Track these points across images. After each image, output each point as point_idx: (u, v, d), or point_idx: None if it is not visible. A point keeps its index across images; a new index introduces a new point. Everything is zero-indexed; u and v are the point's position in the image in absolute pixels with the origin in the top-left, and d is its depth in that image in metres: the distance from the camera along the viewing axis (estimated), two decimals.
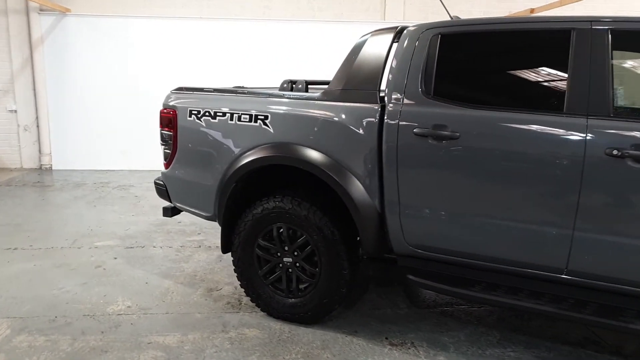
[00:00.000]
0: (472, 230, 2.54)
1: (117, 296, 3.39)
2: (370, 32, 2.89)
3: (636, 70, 2.50)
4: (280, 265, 3.01)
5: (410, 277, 2.71)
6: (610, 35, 2.30)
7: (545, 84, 2.55)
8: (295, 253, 2.95)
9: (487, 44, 2.62)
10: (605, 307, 2.37)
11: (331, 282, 2.86)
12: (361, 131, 2.69)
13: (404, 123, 2.60)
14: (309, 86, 3.24)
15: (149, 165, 7.85)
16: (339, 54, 7.64)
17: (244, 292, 3.17)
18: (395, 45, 2.80)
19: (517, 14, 8.07)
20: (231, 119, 3.02)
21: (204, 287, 3.56)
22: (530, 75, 2.57)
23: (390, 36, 2.80)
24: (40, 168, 8.05)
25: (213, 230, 4.86)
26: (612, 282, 2.33)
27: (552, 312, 2.41)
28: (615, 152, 2.21)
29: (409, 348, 2.81)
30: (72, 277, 3.69)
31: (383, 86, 2.75)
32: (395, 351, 2.78)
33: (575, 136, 2.29)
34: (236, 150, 3.00)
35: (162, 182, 3.48)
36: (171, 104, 3.31)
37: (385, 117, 2.64)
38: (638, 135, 2.18)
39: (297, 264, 2.96)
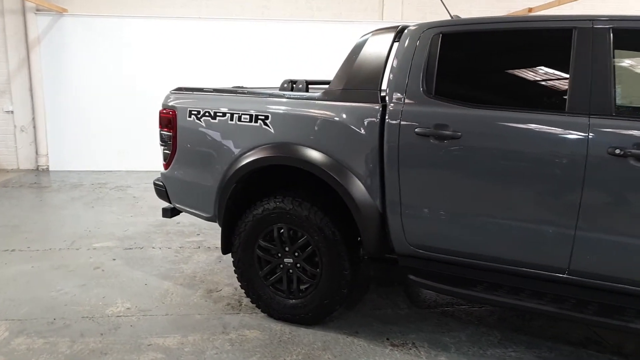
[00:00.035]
0: (474, 230, 2.53)
1: (116, 298, 3.37)
2: (371, 32, 2.88)
3: (638, 69, 2.50)
4: (281, 266, 2.99)
5: (412, 277, 2.70)
6: (611, 34, 2.30)
7: (547, 83, 2.55)
8: (296, 254, 2.93)
9: (488, 43, 2.61)
10: (607, 307, 2.36)
11: (332, 283, 2.85)
12: (362, 131, 2.68)
13: (406, 123, 2.59)
14: (309, 86, 3.22)
15: (147, 166, 7.82)
16: (336, 54, 7.61)
17: (244, 293, 3.16)
18: (396, 44, 2.79)
19: (515, 14, 8.08)
20: (231, 119, 3.00)
21: (203, 288, 3.54)
22: (532, 74, 2.56)
23: (391, 36, 2.79)
24: (37, 169, 8.01)
25: (212, 231, 4.84)
26: (614, 281, 2.33)
27: (554, 312, 2.40)
28: (617, 151, 2.21)
29: (410, 349, 2.80)
30: (70, 279, 3.67)
31: (384, 86, 2.74)
32: (396, 352, 2.76)
33: (578, 135, 2.28)
34: (236, 151, 2.98)
35: (161, 183, 3.46)
36: (170, 104, 3.29)
37: (387, 117, 2.63)
38: None
39: (298, 265, 2.95)
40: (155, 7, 7.88)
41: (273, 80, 5.59)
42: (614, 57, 2.29)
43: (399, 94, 2.66)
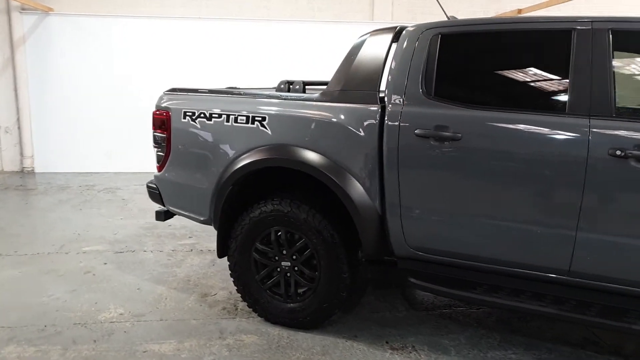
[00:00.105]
0: (475, 232, 2.52)
1: (109, 303, 3.29)
2: (369, 32, 2.85)
3: (637, 70, 2.50)
4: (279, 269, 2.95)
5: (412, 279, 2.68)
6: (610, 35, 2.31)
7: (547, 84, 2.54)
8: (294, 257, 2.89)
9: (488, 44, 2.60)
10: (608, 308, 2.36)
11: (331, 286, 2.81)
12: (361, 132, 2.65)
13: (405, 124, 2.57)
14: (306, 87, 3.18)
15: (135, 167, 7.70)
16: (325, 54, 7.62)
17: (241, 297, 3.11)
18: (394, 45, 2.76)
19: (504, 15, 8.13)
20: (227, 121, 2.95)
21: (198, 293, 3.48)
22: (531, 75, 2.55)
23: (389, 36, 2.76)
24: (22, 171, 7.84)
25: (204, 234, 4.77)
26: (615, 283, 2.33)
27: (554, 313, 2.40)
28: (618, 152, 2.21)
29: (410, 352, 2.77)
30: (60, 284, 3.58)
31: (382, 87, 2.72)
32: (396, 355, 2.74)
33: (578, 137, 2.28)
34: (233, 153, 2.93)
35: (154, 185, 3.39)
36: (164, 105, 3.23)
37: (386, 119, 2.61)
38: None
39: (296, 268, 2.91)
40: (155, 6, 7.77)
41: (266, 80, 5.56)
42: (613, 58, 2.30)
43: (398, 95, 2.63)
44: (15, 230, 4.84)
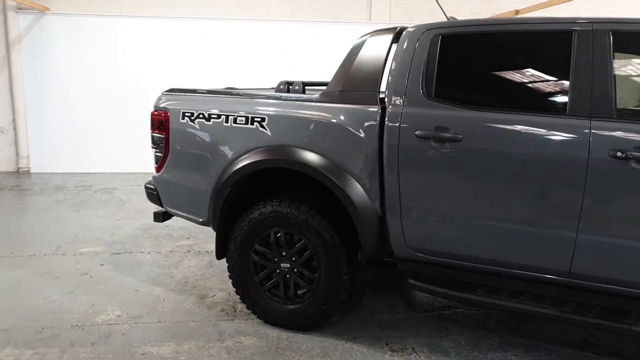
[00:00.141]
0: (475, 233, 2.51)
1: (106, 305, 3.27)
2: (369, 33, 2.84)
3: (638, 71, 2.51)
4: (278, 271, 2.93)
5: (412, 281, 2.67)
6: (611, 37, 2.30)
7: (548, 85, 2.54)
8: (293, 258, 2.88)
9: (489, 45, 2.60)
10: (608, 310, 2.36)
11: (330, 288, 2.80)
12: (361, 133, 2.64)
13: (405, 125, 2.56)
14: (306, 87, 3.17)
15: (132, 168, 7.66)
16: (322, 54, 7.61)
17: (240, 299, 3.08)
18: (394, 46, 2.75)
19: (501, 16, 8.14)
20: (226, 121, 2.93)
21: (196, 294, 3.46)
22: (532, 76, 2.55)
23: (389, 37, 2.76)
24: (18, 171, 7.78)
25: (202, 235, 4.75)
26: (616, 284, 2.33)
27: (555, 315, 2.40)
28: (619, 154, 2.21)
29: (410, 354, 2.77)
30: (57, 286, 3.55)
31: (382, 88, 2.71)
32: (396, 357, 2.73)
33: (579, 138, 2.28)
34: (232, 153, 2.91)
35: (153, 186, 3.37)
36: (162, 105, 3.20)
37: (386, 119, 2.60)
38: None
39: (295, 270, 2.89)
40: (153, 6, 7.72)
41: (264, 80, 5.55)
42: (614, 59, 2.29)
43: (398, 96, 2.63)
44: (10, 231, 4.80)
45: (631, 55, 2.47)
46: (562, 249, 2.36)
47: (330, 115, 2.72)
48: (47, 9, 7.41)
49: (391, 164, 2.60)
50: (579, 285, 2.40)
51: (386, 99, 2.66)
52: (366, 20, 8.19)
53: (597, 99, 2.29)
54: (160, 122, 3.16)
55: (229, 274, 3.05)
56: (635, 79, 2.48)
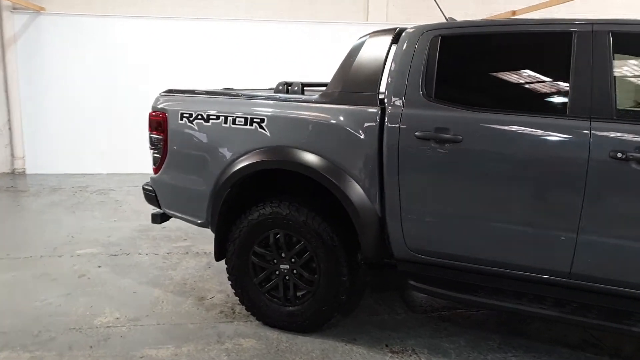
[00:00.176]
0: (476, 234, 2.51)
1: (104, 307, 3.24)
2: (369, 34, 2.83)
3: (638, 72, 2.51)
4: (277, 272, 2.92)
5: (412, 282, 2.67)
6: (611, 38, 2.31)
7: (548, 86, 2.54)
8: (293, 260, 2.87)
9: (489, 46, 2.59)
10: (609, 311, 2.36)
11: (330, 289, 2.79)
12: (361, 134, 2.63)
13: (405, 126, 2.56)
14: (305, 88, 3.16)
15: (128, 169, 7.62)
16: (320, 54, 7.59)
17: (239, 300, 3.07)
18: (394, 47, 2.75)
19: (498, 16, 8.15)
20: (225, 122, 2.91)
21: (194, 296, 3.44)
22: (532, 77, 2.55)
23: (389, 38, 2.75)
24: (13, 172, 7.73)
25: (199, 236, 4.73)
26: (616, 285, 2.33)
27: (555, 316, 2.40)
28: (619, 154, 2.21)
29: (410, 355, 2.76)
30: (54, 288, 3.52)
31: (382, 88, 2.70)
32: (396, 359, 2.72)
33: (579, 139, 2.28)
34: (231, 155, 2.90)
35: (150, 188, 3.35)
36: (160, 106, 3.18)
37: (386, 120, 2.59)
38: None
39: (295, 271, 2.88)
40: (150, 6, 7.68)
41: (262, 81, 5.52)
42: (613, 60, 2.29)
43: (398, 97, 2.62)
44: (6, 233, 4.76)
45: (631, 56, 2.47)
46: (563, 250, 2.36)
47: (329, 116, 2.71)
48: (43, 9, 7.37)
49: (391, 165, 2.59)
50: (579, 286, 2.40)
51: (386, 100, 2.65)
52: (363, 20, 8.19)
53: (597, 100, 2.29)
54: (158, 123, 3.14)
55: (227, 275, 3.03)
56: (635, 79, 2.48)
